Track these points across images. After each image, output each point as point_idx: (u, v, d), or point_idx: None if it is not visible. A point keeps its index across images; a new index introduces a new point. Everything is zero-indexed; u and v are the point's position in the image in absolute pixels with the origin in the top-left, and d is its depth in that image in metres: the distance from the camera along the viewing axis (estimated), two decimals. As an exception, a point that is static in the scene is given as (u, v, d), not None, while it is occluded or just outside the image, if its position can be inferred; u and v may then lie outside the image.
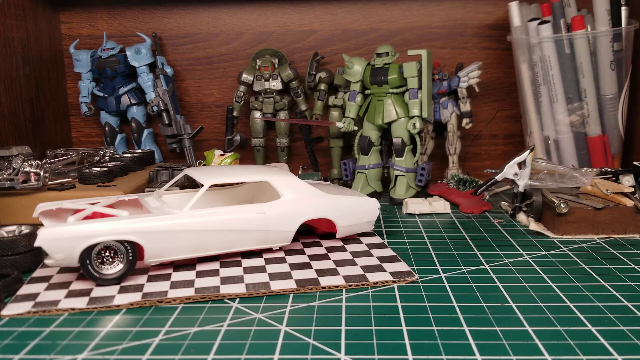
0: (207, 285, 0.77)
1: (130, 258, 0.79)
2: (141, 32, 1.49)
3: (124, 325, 0.67)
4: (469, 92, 1.38)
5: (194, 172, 0.93)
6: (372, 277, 0.79)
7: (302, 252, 0.91)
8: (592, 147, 1.31)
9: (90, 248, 0.76)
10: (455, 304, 0.71)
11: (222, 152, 1.27)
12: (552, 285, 0.77)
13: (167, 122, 1.38)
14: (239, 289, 0.76)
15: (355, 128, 1.31)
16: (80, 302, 0.72)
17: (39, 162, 1.05)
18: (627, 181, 1.07)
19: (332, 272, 0.82)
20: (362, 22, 1.50)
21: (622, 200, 1.01)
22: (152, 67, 1.47)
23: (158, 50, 1.47)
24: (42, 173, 1.04)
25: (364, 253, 0.90)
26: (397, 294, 0.75)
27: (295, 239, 0.94)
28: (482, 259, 0.89)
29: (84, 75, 1.47)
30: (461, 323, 0.66)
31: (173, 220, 0.81)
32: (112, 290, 0.76)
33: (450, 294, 0.74)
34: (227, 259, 0.88)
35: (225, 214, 0.84)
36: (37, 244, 0.75)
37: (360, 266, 0.84)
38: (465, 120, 1.38)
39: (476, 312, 0.68)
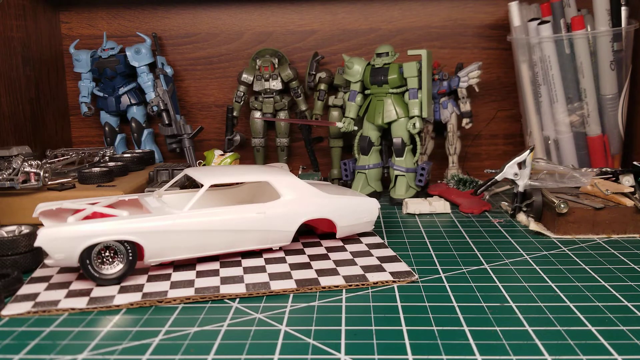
0: (207, 285, 0.77)
1: (130, 258, 0.79)
2: (141, 32, 1.49)
3: (124, 325, 0.67)
4: (469, 92, 1.38)
5: (194, 172, 0.93)
6: (372, 277, 0.79)
7: (302, 252, 0.91)
8: (592, 147, 1.31)
9: (90, 248, 0.77)
10: (455, 304, 0.71)
11: (222, 152, 1.27)
12: (552, 285, 0.77)
13: (167, 122, 1.38)
14: (239, 289, 0.76)
15: (355, 128, 1.31)
16: (80, 302, 0.72)
17: (39, 162, 1.05)
18: (627, 181, 1.07)
19: (332, 272, 0.82)
20: (362, 22, 1.50)
21: (622, 200, 1.01)
22: (152, 67, 1.47)
23: (158, 50, 1.47)
24: (42, 173, 1.04)
25: (364, 253, 0.90)
26: (397, 294, 0.75)
27: (295, 239, 0.94)
28: (482, 259, 0.89)
29: (84, 75, 1.47)
30: (461, 323, 0.66)
31: (173, 220, 0.81)
32: (112, 290, 0.76)
33: (450, 294, 0.74)
34: (227, 259, 0.88)
35: (225, 214, 0.84)
36: (37, 244, 0.75)
37: (360, 266, 0.84)
38: (465, 120, 1.38)
39: (476, 312, 0.68)
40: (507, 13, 1.38)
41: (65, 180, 1.11)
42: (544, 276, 0.81)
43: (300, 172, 1.38)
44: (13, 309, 0.71)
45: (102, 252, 0.78)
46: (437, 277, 0.81)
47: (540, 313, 0.68)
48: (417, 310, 0.69)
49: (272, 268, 0.84)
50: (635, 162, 1.08)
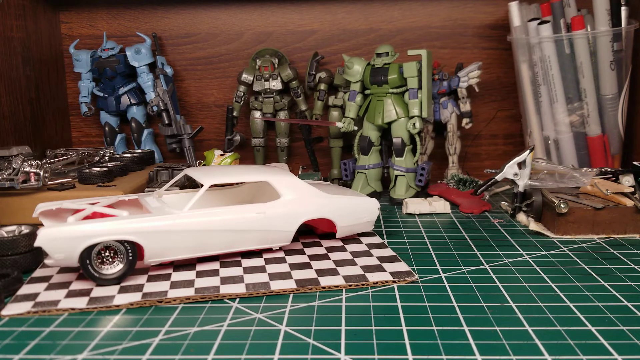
0: (207, 285, 0.77)
1: (130, 258, 0.79)
2: (141, 32, 1.49)
3: (124, 325, 0.67)
4: (469, 92, 1.38)
5: (194, 172, 0.93)
6: (372, 277, 0.79)
7: (302, 252, 0.91)
8: (592, 147, 1.31)
9: (90, 248, 0.76)
10: (455, 304, 0.71)
11: (222, 152, 1.27)
12: (552, 285, 0.77)
13: (167, 122, 1.38)
14: (239, 289, 0.76)
15: (355, 128, 1.31)
16: (80, 302, 0.72)
17: (39, 162, 1.05)
18: (627, 181, 1.07)
19: (332, 272, 0.82)
20: (362, 22, 1.50)
21: (622, 200, 1.01)
22: (152, 67, 1.47)
23: (158, 50, 1.47)
24: (42, 173, 1.04)
25: (364, 253, 0.90)
26: (397, 294, 0.75)
27: (295, 239, 0.94)
28: (482, 259, 0.89)
29: (84, 75, 1.47)
30: (461, 323, 0.66)
31: (173, 220, 0.81)
32: (112, 290, 0.76)
33: (450, 294, 0.74)
34: (227, 259, 0.88)
35: (225, 214, 0.84)
36: (37, 244, 0.75)
37: (360, 266, 0.84)
38: (465, 120, 1.38)
39: (476, 312, 0.68)
40: (507, 13, 1.38)
41: (65, 180, 1.11)
42: (544, 276, 0.81)
43: (300, 172, 1.38)
44: (13, 309, 0.71)
45: (102, 252, 0.78)
46: (437, 277, 0.81)
47: (540, 313, 0.68)
48: (417, 310, 0.69)
49: (272, 268, 0.84)
50: (635, 162, 1.08)
